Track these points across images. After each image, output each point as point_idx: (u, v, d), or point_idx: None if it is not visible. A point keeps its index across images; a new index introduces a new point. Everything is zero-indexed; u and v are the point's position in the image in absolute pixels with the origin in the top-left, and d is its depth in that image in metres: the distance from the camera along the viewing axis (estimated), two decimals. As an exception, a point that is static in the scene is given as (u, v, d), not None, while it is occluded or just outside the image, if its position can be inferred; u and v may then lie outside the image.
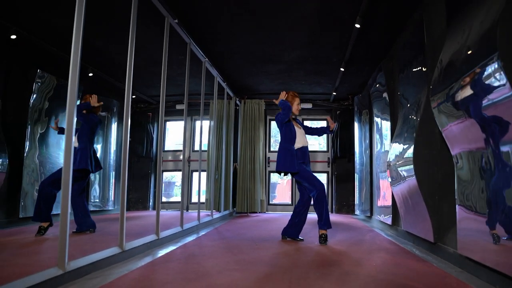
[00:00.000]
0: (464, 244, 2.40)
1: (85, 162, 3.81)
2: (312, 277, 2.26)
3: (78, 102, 5.31)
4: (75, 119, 2.19)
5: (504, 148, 1.83)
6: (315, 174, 3.82)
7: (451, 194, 2.68)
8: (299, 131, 3.85)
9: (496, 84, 1.77)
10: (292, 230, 3.80)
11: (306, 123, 7.20)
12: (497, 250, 2.00)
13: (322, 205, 3.55)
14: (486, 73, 1.85)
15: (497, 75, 1.74)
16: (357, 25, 3.87)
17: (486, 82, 1.86)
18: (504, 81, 1.70)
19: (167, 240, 3.62)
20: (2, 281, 1.77)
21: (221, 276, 2.27)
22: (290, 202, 7.80)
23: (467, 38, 2.19)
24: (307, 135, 3.95)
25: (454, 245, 2.62)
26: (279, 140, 3.91)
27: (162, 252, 3.10)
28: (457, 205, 2.46)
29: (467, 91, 2.08)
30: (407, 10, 3.76)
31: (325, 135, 7.88)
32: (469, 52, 2.11)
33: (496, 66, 1.74)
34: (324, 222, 3.55)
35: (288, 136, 3.78)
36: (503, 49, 1.72)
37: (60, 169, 3.69)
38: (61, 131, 4.14)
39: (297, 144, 3.78)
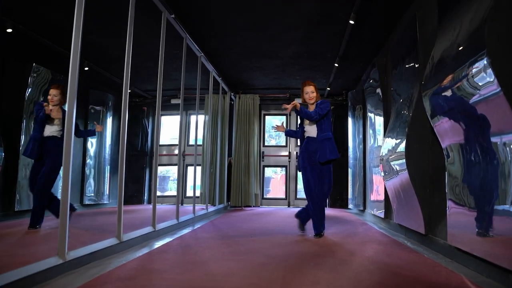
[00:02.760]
0: (454, 235, 2.48)
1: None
2: (306, 267, 2.33)
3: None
4: (74, 113, 2.23)
5: (492, 141, 1.90)
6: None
7: (442, 187, 2.75)
8: (308, 121, 3.77)
9: (485, 80, 1.84)
10: (304, 214, 3.83)
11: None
12: (485, 241, 2.08)
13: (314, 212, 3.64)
14: (475, 69, 1.92)
15: (485, 71, 1.81)
16: (351, 21, 3.92)
17: (475, 78, 1.93)
18: (492, 77, 1.77)
19: (164, 232, 3.67)
20: (3, 270, 1.81)
21: (217, 266, 2.33)
22: (284, 197, 7.87)
23: (457, 36, 2.25)
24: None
25: (444, 236, 2.71)
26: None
27: (158, 244, 3.15)
28: (447, 199, 2.54)
29: (457, 87, 2.15)
30: (401, 7, 3.82)
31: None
32: (459, 49, 2.18)
33: (485, 63, 1.81)
34: (314, 226, 3.64)
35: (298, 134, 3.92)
36: (491, 47, 1.79)
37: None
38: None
39: (306, 135, 3.80)
